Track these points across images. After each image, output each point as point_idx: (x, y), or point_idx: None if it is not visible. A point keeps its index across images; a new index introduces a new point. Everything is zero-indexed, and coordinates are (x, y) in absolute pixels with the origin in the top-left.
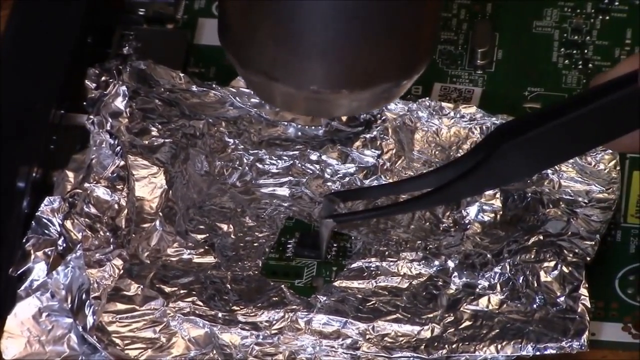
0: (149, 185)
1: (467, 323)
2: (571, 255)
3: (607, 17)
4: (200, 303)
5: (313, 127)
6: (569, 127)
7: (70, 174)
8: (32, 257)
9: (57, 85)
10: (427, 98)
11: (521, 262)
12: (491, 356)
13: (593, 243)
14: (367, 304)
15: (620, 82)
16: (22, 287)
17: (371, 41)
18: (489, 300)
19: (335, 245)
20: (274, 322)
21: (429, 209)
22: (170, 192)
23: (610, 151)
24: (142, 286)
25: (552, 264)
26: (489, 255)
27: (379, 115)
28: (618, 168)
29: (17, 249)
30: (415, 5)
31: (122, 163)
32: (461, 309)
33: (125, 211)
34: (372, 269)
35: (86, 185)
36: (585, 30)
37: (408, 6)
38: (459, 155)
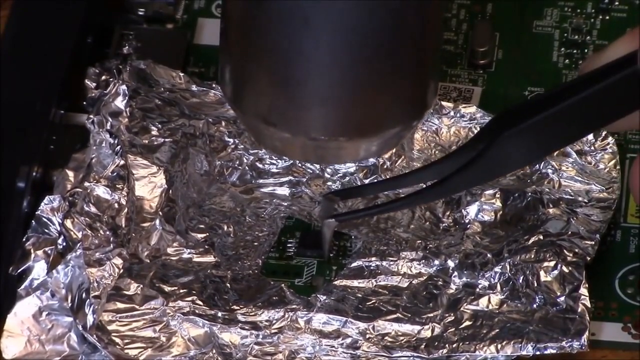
0: (149, 184)
1: (467, 323)
2: (571, 255)
3: (607, 17)
4: (200, 302)
5: None
6: (568, 113)
7: (70, 173)
8: (32, 256)
9: (57, 85)
10: None
11: (521, 261)
12: (491, 356)
13: (593, 243)
14: (367, 304)
15: (618, 64)
16: (22, 286)
17: (368, 90)
18: (489, 300)
19: (335, 244)
20: (274, 321)
21: (429, 204)
22: (170, 191)
23: (610, 151)
24: (142, 285)
25: (552, 263)
26: (489, 255)
27: None
28: (618, 167)
29: (17, 248)
30: (409, 55)
31: (122, 162)
32: (461, 308)
33: (125, 210)
34: (372, 268)
35: (86, 184)
36: (586, 30)
37: (403, 57)
38: None
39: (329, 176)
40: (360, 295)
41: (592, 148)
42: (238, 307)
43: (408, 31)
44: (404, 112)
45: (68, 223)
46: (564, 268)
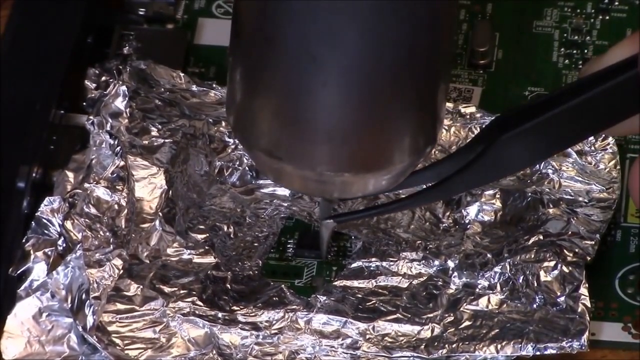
0: (149, 185)
1: (467, 323)
2: (571, 255)
3: (607, 17)
4: (200, 303)
5: None
6: (567, 116)
7: (70, 174)
8: (32, 257)
9: (57, 85)
10: None
11: (521, 262)
12: (491, 356)
13: (593, 243)
14: (367, 304)
15: (618, 68)
16: (22, 287)
17: (376, 127)
18: (489, 300)
19: (335, 245)
20: (274, 322)
21: (429, 204)
22: (170, 192)
23: (611, 151)
24: (142, 286)
25: (552, 263)
26: (489, 255)
27: None
28: (618, 167)
29: (17, 249)
30: (419, 91)
31: (122, 163)
32: (461, 308)
33: (125, 211)
34: (372, 268)
35: (86, 185)
36: (585, 30)
37: (412, 94)
38: None
39: None
40: (360, 296)
41: (593, 148)
42: (238, 308)
43: (418, 68)
44: (414, 144)
45: (68, 224)
46: (564, 268)
